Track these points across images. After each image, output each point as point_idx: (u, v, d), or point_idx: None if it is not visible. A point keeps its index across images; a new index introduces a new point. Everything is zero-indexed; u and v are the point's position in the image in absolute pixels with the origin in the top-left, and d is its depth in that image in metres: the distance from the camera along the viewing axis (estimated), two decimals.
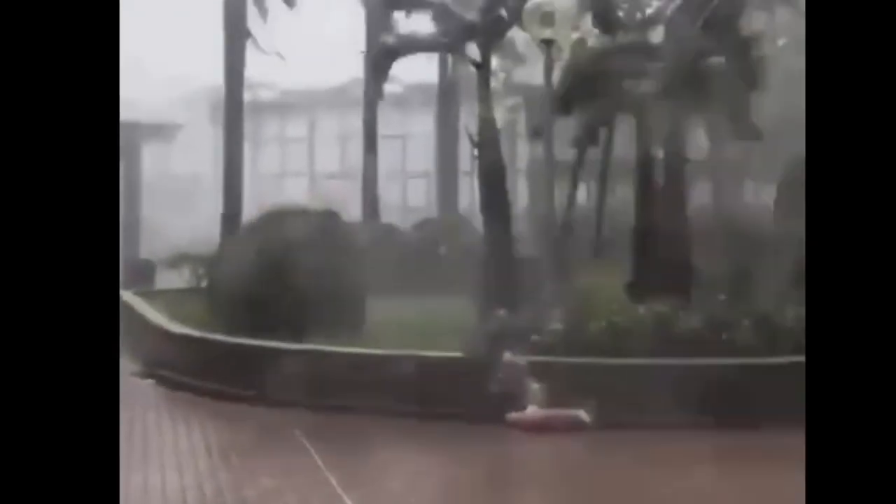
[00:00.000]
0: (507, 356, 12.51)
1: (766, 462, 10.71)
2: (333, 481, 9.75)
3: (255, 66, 27.52)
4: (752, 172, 30.55)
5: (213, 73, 28.21)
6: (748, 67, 16.00)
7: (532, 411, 12.19)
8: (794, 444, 11.17)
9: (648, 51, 16.55)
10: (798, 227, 19.42)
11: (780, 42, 27.34)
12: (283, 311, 14.98)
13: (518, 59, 30.00)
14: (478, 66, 17.77)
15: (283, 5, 28.03)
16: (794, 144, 24.29)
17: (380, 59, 17.98)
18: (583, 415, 12.03)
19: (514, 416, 12.18)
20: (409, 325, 15.56)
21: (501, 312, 14.28)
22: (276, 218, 17.34)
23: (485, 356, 12.59)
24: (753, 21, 17.66)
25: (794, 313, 12.93)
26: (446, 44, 19.16)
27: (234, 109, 25.99)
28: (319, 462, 10.53)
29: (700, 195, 25.39)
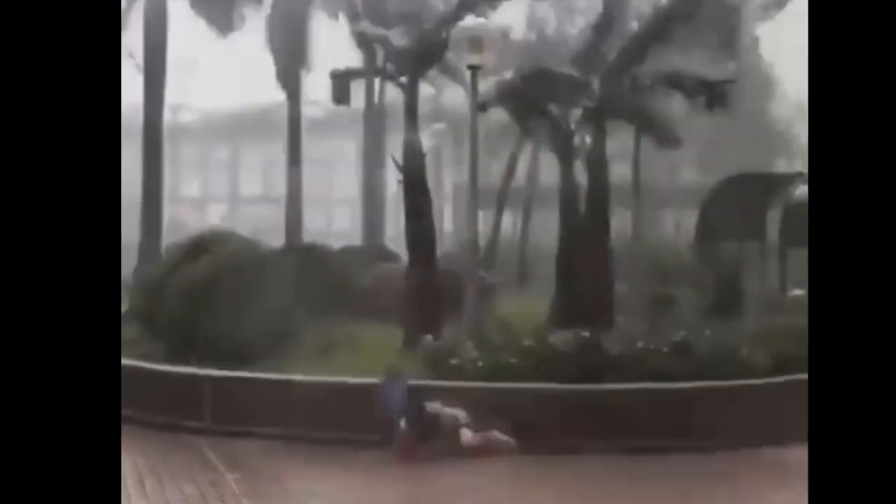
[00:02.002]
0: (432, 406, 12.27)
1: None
2: None
3: (177, 88, 27.16)
4: (674, 199, 31.05)
5: (131, 93, 27.62)
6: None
7: (465, 435, 12.11)
8: (720, 466, 11.41)
9: (576, 81, 16.70)
10: (716, 249, 19.73)
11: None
12: (208, 339, 14.73)
13: (445, 84, 30.05)
14: (406, 90, 17.70)
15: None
16: (717, 172, 24.69)
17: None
18: (507, 438, 12.05)
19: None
20: (336, 350, 15.36)
21: (428, 338, 14.26)
22: (200, 244, 17.04)
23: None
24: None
25: (709, 339, 13.18)
26: (390, 70, 19.33)
27: (153, 132, 25.58)
28: (235, 489, 10.49)
29: (622, 222, 25.65)
